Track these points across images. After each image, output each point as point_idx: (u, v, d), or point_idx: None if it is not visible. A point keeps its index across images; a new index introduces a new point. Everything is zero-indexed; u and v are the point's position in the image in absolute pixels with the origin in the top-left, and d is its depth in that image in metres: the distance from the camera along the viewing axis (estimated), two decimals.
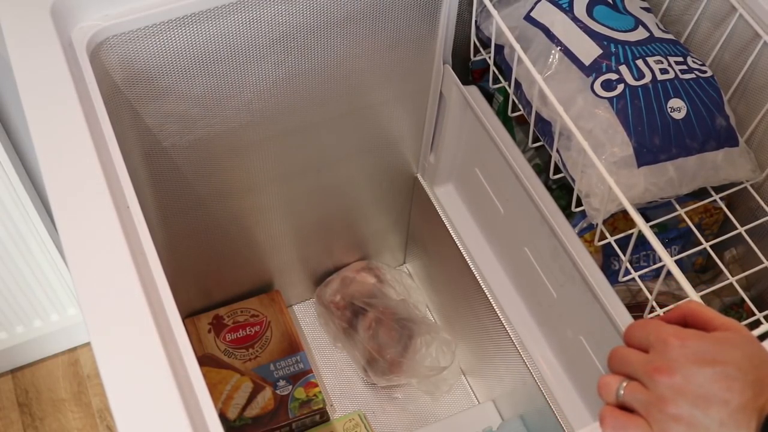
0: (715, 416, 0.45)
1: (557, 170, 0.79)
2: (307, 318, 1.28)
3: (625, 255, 0.72)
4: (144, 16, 0.72)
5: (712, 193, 0.79)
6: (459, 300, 1.13)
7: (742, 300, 0.76)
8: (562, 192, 0.92)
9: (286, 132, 0.93)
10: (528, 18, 0.81)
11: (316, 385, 1.12)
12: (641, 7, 0.82)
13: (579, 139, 0.69)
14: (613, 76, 0.75)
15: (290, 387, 1.11)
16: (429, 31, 0.90)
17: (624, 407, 0.49)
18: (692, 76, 0.76)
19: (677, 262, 0.78)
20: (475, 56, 0.94)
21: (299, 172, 1.00)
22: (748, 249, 0.78)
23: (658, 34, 0.79)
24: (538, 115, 0.79)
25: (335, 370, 1.22)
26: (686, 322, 0.50)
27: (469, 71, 0.97)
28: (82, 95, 0.63)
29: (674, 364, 0.46)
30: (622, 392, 0.48)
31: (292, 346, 1.15)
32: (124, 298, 0.52)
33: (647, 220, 0.79)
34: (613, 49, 0.76)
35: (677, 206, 0.79)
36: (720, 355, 0.46)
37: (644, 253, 0.85)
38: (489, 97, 0.94)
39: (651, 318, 0.54)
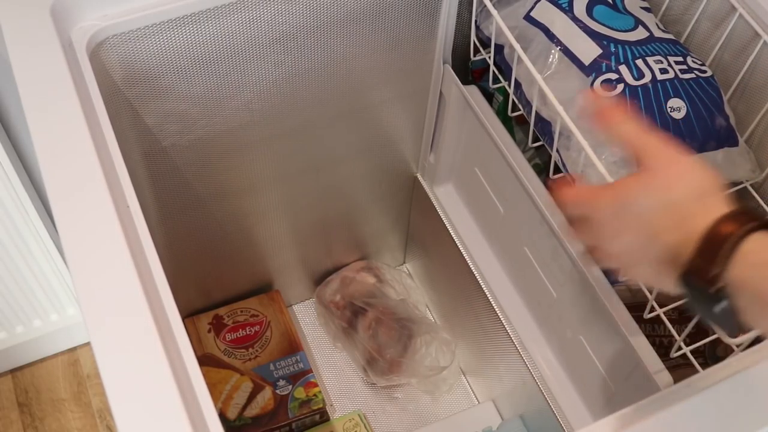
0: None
1: (557, 170, 0.79)
2: (307, 318, 1.28)
3: None
4: (144, 16, 0.72)
5: None
6: (459, 300, 1.13)
7: None
8: None
9: (286, 132, 0.93)
10: (528, 18, 0.81)
11: (316, 385, 1.12)
12: (641, 7, 0.82)
13: (579, 138, 0.69)
14: (613, 76, 0.75)
15: (290, 387, 1.11)
16: (429, 31, 0.90)
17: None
18: (692, 75, 0.76)
19: None
20: (475, 56, 0.94)
21: (299, 172, 1.00)
22: None
23: (657, 33, 0.79)
24: (537, 114, 0.79)
25: (335, 370, 1.22)
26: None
27: (469, 71, 0.97)
28: (82, 95, 0.63)
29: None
30: None
31: (292, 346, 1.15)
32: (124, 297, 0.52)
33: None
34: (613, 49, 0.76)
35: None
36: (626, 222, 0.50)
37: None
38: (489, 97, 0.94)
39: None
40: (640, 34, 0.78)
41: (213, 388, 1.10)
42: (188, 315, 1.16)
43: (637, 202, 0.49)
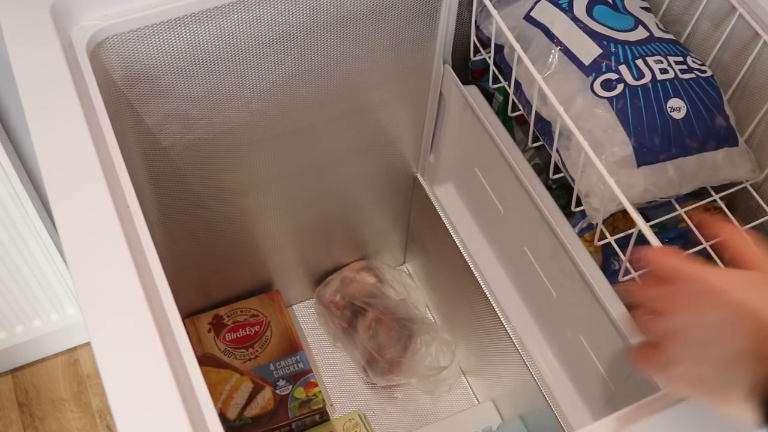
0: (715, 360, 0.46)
1: (557, 170, 0.79)
2: (307, 318, 1.28)
3: (624, 255, 0.72)
4: (144, 16, 0.72)
5: (712, 193, 0.79)
6: (459, 300, 1.13)
7: None
8: (562, 192, 0.92)
9: (286, 132, 0.93)
10: (528, 18, 0.81)
11: (316, 385, 1.12)
12: (641, 7, 0.82)
13: (579, 138, 0.69)
14: (613, 76, 0.75)
15: (290, 387, 1.11)
16: (429, 31, 0.90)
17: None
18: (692, 75, 0.76)
19: None
20: (475, 56, 0.94)
21: (299, 171, 1.00)
22: None
23: (657, 33, 0.79)
24: (537, 114, 0.79)
25: (335, 370, 1.22)
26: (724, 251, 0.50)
27: (469, 71, 0.97)
28: (82, 95, 0.63)
29: (682, 304, 0.48)
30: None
31: (292, 346, 1.15)
32: (124, 297, 0.52)
33: (647, 219, 0.79)
34: (613, 49, 0.76)
35: (677, 206, 0.79)
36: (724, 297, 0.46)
37: None
38: (489, 97, 0.94)
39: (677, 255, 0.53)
40: (640, 34, 0.78)
41: (213, 388, 1.10)
42: (188, 315, 1.16)
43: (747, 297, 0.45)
